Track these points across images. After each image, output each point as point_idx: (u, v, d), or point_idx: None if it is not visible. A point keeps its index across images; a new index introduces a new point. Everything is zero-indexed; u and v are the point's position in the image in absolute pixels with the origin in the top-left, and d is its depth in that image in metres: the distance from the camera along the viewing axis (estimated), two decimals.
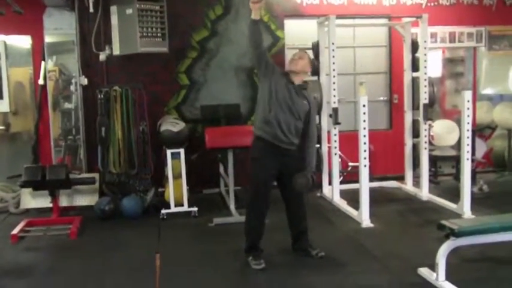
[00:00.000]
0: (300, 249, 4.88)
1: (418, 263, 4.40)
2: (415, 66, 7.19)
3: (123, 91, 6.58)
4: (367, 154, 5.79)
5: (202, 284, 4.33)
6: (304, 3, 7.75)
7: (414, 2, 7.98)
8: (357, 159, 5.96)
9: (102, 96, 6.57)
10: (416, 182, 7.30)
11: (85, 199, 6.71)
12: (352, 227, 5.78)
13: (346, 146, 7.17)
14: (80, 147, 7.14)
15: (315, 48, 7.16)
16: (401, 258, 4.74)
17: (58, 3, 6.91)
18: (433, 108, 7.63)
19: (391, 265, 4.58)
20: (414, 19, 7.13)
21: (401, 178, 7.62)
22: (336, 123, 6.80)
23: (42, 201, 6.46)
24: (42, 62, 7.06)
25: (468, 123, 5.85)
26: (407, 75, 7.32)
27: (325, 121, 7.09)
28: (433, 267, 4.13)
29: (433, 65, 7.86)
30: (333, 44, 6.73)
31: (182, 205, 6.35)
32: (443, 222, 4.14)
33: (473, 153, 6.74)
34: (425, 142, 6.99)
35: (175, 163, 6.33)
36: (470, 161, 5.97)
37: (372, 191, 6.10)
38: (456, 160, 7.28)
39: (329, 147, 7.11)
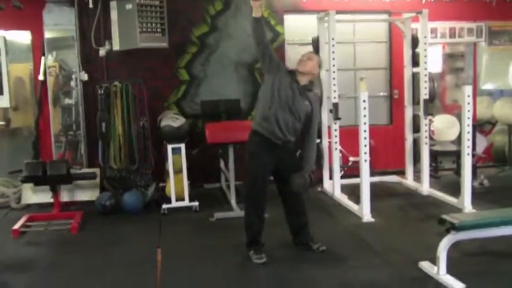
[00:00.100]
0: (301, 244, 4.89)
1: (419, 257, 4.41)
2: (415, 62, 7.18)
3: (123, 86, 6.57)
4: (367, 149, 5.79)
5: (204, 279, 4.33)
6: None
7: None
8: (357, 154, 5.97)
9: (102, 91, 6.56)
10: (417, 177, 7.31)
11: (86, 194, 6.71)
12: (353, 221, 5.79)
13: (347, 141, 7.19)
14: (81, 142, 7.14)
15: (315, 43, 7.15)
16: (402, 252, 4.74)
17: None
18: (434, 104, 7.62)
19: (392, 259, 4.59)
20: (414, 14, 7.11)
21: (401, 173, 7.63)
22: (337, 118, 6.80)
23: (43, 196, 6.47)
24: (42, 58, 7.06)
25: (468, 118, 5.85)
26: (408, 71, 7.31)
27: (325, 116, 7.09)
28: (434, 261, 4.14)
29: (433, 61, 7.84)
30: (333, 39, 6.73)
31: (183, 200, 6.36)
32: (444, 216, 4.15)
33: (473, 148, 6.74)
34: (426, 137, 7.00)
35: (176, 158, 6.33)
36: (470, 155, 5.97)
37: (373, 185, 6.10)
38: (457, 155, 7.29)
39: (329, 142, 7.12)
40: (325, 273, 4.34)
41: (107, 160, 6.59)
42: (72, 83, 7.20)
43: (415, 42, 7.17)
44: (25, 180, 6.22)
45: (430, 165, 7.35)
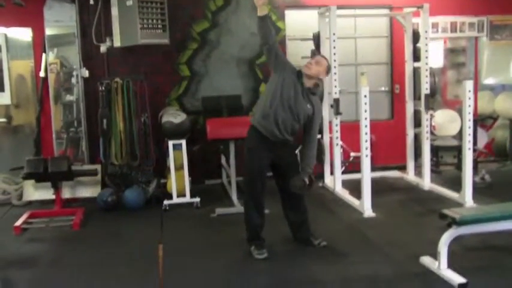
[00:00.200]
0: (301, 239, 4.89)
1: (420, 252, 4.41)
2: (416, 57, 7.17)
3: (124, 83, 6.57)
4: (368, 144, 5.79)
5: (205, 274, 4.34)
6: None
7: None
8: (358, 149, 5.96)
9: (103, 88, 6.56)
10: (418, 172, 7.31)
11: (87, 191, 6.72)
12: (354, 216, 5.80)
13: (348, 136, 7.19)
14: (82, 139, 7.14)
15: (316, 39, 7.14)
16: (403, 247, 4.75)
17: None
18: (435, 98, 7.62)
19: (393, 254, 4.59)
20: (415, 9, 7.09)
21: (403, 168, 7.63)
22: (338, 113, 6.80)
23: (45, 193, 6.48)
24: (43, 55, 7.05)
25: (469, 113, 5.84)
26: (409, 66, 7.30)
27: (326, 111, 7.09)
28: (435, 256, 4.14)
29: (434, 55, 7.84)
30: (333, 34, 6.72)
31: (184, 196, 6.38)
32: (445, 211, 4.15)
33: (474, 143, 6.76)
34: (427, 132, 6.99)
35: (177, 154, 6.34)
36: (471, 150, 5.97)
37: (374, 181, 6.10)
38: (458, 150, 7.28)
39: (331, 138, 7.11)
40: (327, 269, 4.34)
41: (108, 156, 6.60)
42: (73, 80, 7.19)
43: (416, 37, 7.15)
44: (26, 177, 6.24)
45: (431, 160, 7.35)
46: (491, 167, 7.88)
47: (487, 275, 4.11)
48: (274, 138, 4.54)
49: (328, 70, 4.71)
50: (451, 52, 8.77)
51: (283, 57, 4.60)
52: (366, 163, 5.79)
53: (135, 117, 6.62)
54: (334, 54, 6.72)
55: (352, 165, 7.43)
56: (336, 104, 6.74)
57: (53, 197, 6.27)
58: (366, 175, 5.81)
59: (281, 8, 7.68)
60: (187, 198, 6.37)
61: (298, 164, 4.70)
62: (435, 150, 7.78)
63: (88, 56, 7.19)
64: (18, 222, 5.68)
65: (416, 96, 7.21)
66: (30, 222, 5.86)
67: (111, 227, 5.77)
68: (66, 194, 6.61)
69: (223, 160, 7.30)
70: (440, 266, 4.07)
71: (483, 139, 8.33)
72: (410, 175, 7.46)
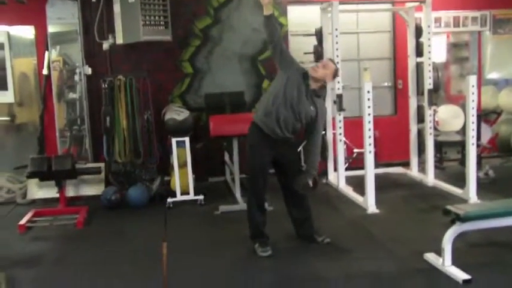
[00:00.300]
0: (304, 236, 4.90)
1: (424, 249, 4.41)
2: (419, 52, 7.15)
3: (127, 80, 6.57)
4: (372, 140, 5.78)
5: (209, 272, 4.35)
6: None
7: None
8: (362, 146, 5.96)
9: (106, 85, 6.57)
10: (422, 168, 7.29)
11: (91, 189, 6.74)
12: (358, 213, 5.79)
13: (351, 132, 7.17)
14: (85, 137, 7.15)
15: (319, 34, 7.14)
16: (407, 243, 4.75)
17: None
18: (438, 94, 7.60)
19: (397, 251, 4.59)
20: (418, 4, 7.06)
21: (406, 164, 7.61)
22: (341, 109, 6.79)
23: (49, 191, 6.51)
24: (46, 52, 7.05)
25: (473, 108, 5.83)
26: (412, 61, 7.29)
27: (329, 108, 7.07)
28: (439, 252, 4.14)
29: (437, 50, 7.80)
30: (336, 30, 6.71)
31: (188, 193, 6.38)
32: (449, 207, 4.14)
33: (478, 139, 6.74)
34: (430, 128, 6.97)
35: (181, 152, 6.34)
36: (475, 146, 5.96)
37: (378, 177, 6.09)
38: (461, 145, 7.27)
39: (334, 134, 7.10)
40: (330, 265, 4.35)
41: (112, 154, 6.61)
42: (76, 77, 7.19)
43: (418, 31, 7.13)
44: (30, 175, 6.25)
45: (435, 156, 7.34)
46: (495, 163, 7.86)
47: (491, 271, 4.10)
48: (275, 136, 4.53)
49: (335, 74, 4.67)
50: (454, 47, 8.73)
51: (289, 56, 4.59)
52: (370, 159, 5.78)
53: (138, 114, 6.62)
54: (337, 49, 6.70)
55: (355, 162, 7.41)
56: (339, 100, 6.73)
57: (57, 195, 6.29)
58: (370, 171, 5.80)
59: (283, 3, 7.66)
60: (191, 196, 6.37)
61: (300, 161, 4.69)
62: (439, 146, 7.76)
63: (91, 54, 7.18)
64: (23, 221, 5.70)
65: (420, 92, 7.20)
66: (34, 220, 5.88)
67: (115, 225, 5.78)
68: (70, 192, 6.64)
69: (226, 157, 7.31)
70: (445, 262, 4.07)
71: (487, 134, 8.29)
72: (413, 171, 7.44)
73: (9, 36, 7.03)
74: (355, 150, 7.50)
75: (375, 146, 5.97)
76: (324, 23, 7.11)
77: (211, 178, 7.58)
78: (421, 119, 7.20)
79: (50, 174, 6.16)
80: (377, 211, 5.76)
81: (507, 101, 8.31)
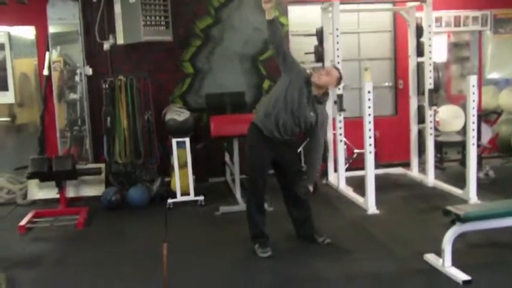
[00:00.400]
0: (304, 236, 4.90)
1: (424, 249, 4.41)
2: (420, 51, 7.15)
3: (127, 80, 6.57)
4: (372, 141, 5.78)
5: (210, 272, 4.36)
6: None
7: None
8: (362, 146, 5.95)
9: (106, 86, 6.57)
10: (422, 168, 7.29)
11: (92, 190, 6.74)
12: (358, 213, 5.79)
13: (352, 132, 7.17)
14: (86, 137, 7.14)
15: (319, 34, 7.14)
16: (407, 244, 4.75)
17: None
18: (439, 94, 7.59)
19: (397, 251, 4.59)
20: (418, 3, 7.06)
21: (407, 164, 7.61)
22: (341, 109, 6.79)
23: (49, 192, 6.50)
24: (47, 53, 7.05)
25: (473, 108, 5.83)
26: (412, 61, 7.29)
27: (330, 108, 7.06)
28: (439, 253, 4.14)
29: (438, 50, 7.80)
30: (337, 29, 6.71)
31: (188, 194, 6.38)
32: (449, 208, 4.14)
33: (479, 139, 6.73)
34: (431, 128, 6.96)
35: (181, 152, 6.34)
36: (475, 146, 5.95)
37: (378, 177, 6.10)
38: (462, 146, 7.26)
39: (334, 134, 7.10)
40: (331, 266, 4.35)
41: (112, 155, 6.61)
42: (77, 78, 7.18)
43: (419, 31, 7.13)
44: (31, 176, 6.25)
45: (435, 156, 7.33)
46: (495, 163, 7.85)
47: (491, 272, 4.10)
48: (274, 137, 4.54)
49: (338, 82, 4.63)
50: (455, 46, 8.72)
51: (292, 60, 4.55)
52: (370, 160, 5.78)
53: (139, 115, 6.62)
54: (338, 49, 6.70)
55: (355, 162, 7.40)
56: (339, 100, 6.73)
57: (58, 196, 6.29)
58: (370, 172, 5.80)
59: (284, 3, 7.65)
60: (191, 197, 6.37)
61: (300, 162, 4.70)
62: (439, 146, 7.75)
63: (91, 54, 7.18)
64: (23, 222, 5.70)
65: (420, 92, 7.19)
66: (34, 221, 5.88)
67: (115, 226, 5.78)
68: (71, 193, 6.64)
69: (227, 157, 7.30)
70: (445, 263, 4.07)
71: (487, 134, 8.27)
72: (414, 172, 7.44)
73: (9, 36, 7.04)
74: (356, 150, 7.49)
75: (375, 147, 5.97)
76: (325, 22, 7.10)
77: (212, 179, 7.58)
78: (421, 119, 7.20)
79: (50, 174, 6.16)
80: (377, 212, 5.76)
81: (508, 101, 8.30)
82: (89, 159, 7.09)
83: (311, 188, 4.55)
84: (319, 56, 7.15)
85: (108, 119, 6.54)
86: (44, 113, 7.16)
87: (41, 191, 6.67)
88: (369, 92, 5.71)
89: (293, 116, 4.44)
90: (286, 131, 4.51)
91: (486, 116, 8.36)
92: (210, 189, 6.96)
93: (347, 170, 7.07)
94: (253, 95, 7.63)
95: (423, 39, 7.06)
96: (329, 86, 4.54)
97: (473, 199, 5.92)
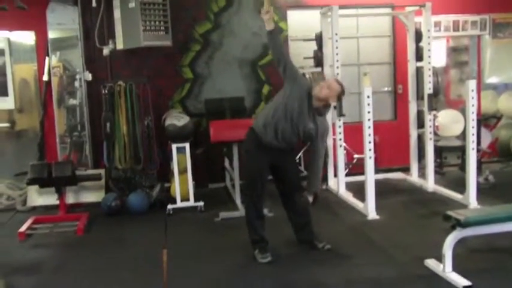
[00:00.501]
0: (304, 241, 4.90)
1: (425, 255, 4.41)
2: (419, 56, 7.15)
3: (127, 86, 6.57)
4: (372, 146, 5.78)
5: (209, 278, 4.35)
6: None
7: None
8: (362, 151, 5.95)
9: (106, 91, 6.57)
10: (422, 173, 7.28)
11: (91, 195, 6.73)
12: (358, 219, 5.79)
13: (351, 137, 7.17)
14: (86, 143, 7.14)
15: (318, 39, 7.14)
16: (408, 249, 4.74)
17: None
18: (438, 98, 7.58)
19: (398, 257, 4.59)
20: (417, 8, 7.07)
21: (406, 169, 7.60)
22: (341, 115, 6.79)
23: (49, 198, 6.49)
24: (46, 58, 7.05)
25: (473, 113, 5.84)
26: (412, 65, 7.29)
27: (329, 113, 7.05)
28: (439, 258, 4.14)
29: (437, 55, 7.81)
30: (336, 34, 6.71)
31: (188, 200, 6.37)
32: (449, 213, 4.13)
33: (478, 143, 6.73)
34: (430, 133, 6.96)
35: (181, 158, 6.34)
36: (475, 151, 5.96)
37: (378, 183, 6.09)
38: (461, 150, 7.26)
39: (334, 140, 7.09)
40: (331, 272, 4.34)
41: (112, 160, 6.60)
42: (76, 83, 7.19)
43: (418, 36, 7.12)
44: (31, 182, 6.24)
45: (435, 161, 7.33)
46: (494, 168, 7.86)
47: (492, 277, 4.10)
48: (271, 145, 4.54)
49: (339, 96, 4.56)
50: (454, 51, 8.73)
51: (293, 70, 4.51)
52: (370, 165, 5.78)
53: (139, 120, 6.62)
54: (337, 54, 6.70)
55: (355, 167, 7.40)
56: (339, 105, 6.72)
57: (57, 202, 6.28)
58: (370, 177, 5.79)
59: (283, 8, 7.67)
60: (191, 202, 6.36)
61: (298, 168, 4.69)
62: (439, 151, 7.76)
63: (91, 59, 7.19)
64: (23, 228, 5.69)
65: (420, 96, 7.19)
66: (34, 228, 5.87)
67: (115, 232, 5.77)
68: (70, 199, 6.63)
69: (226, 163, 7.30)
70: (445, 268, 4.06)
71: (487, 139, 8.28)
72: (413, 176, 7.43)
73: (9, 42, 7.04)
74: (355, 155, 7.49)
75: (375, 152, 5.97)
76: (324, 27, 7.11)
77: (212, 184, 7.57)
78: (421, 124, 7.19)
79: (50, 180, 6.15)
80: (377, 217, 5.76)
81: (507, 105, 8.31)
82: (89, 165, 7.09)
83: (310, 199, 4.56)
84: (319, 60, 7.15)
85: (108, 124, 6.53)
86: (43, 119, 7.16)
87: (40, 197, 6.66)
88: (368, 96, 5.72)
89: (292, 124, 4.43)
90: (285, 139, 4.51)
91: (485, 120, 8.37)
92: (209, 195, 6.95)
93: (347, 175, 7.07)
94: (252, 100, 7.64)
95: (422, 43, 7.06)
96: (329, 99, 4.48)
97: (473, 204, 5.92)
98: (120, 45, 6.95)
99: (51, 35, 7.05)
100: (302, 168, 7.32)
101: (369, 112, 5.74)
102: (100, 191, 6.75)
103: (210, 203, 6.46)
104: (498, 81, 8.59)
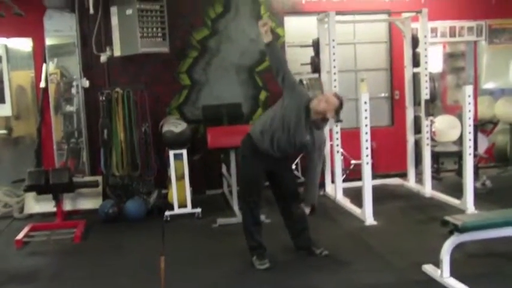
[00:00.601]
0: (302, 247, 4.89)
1: (422, 260, 4.41)
2: (415, 62, 7.16)
3: (124, 93, 6.57)
4: (369, 151, 5.78)
5: (207, 285, 4.34)
6: (304, 0, 7.74)
7: None
8: (359, 157, 5.96)
9: (103, 98, 6.57)
10: (419, 179, 7.28)
11: (89, 202, 6.71)
12: (356, 225, 5.79)
13: (348, 143, 7.18)
14: (83, 150, 7.13)
15: (315, 45, 7.15)
16: (405, 255, 4.74)
17: (58, 4, 6.91)
18: (435, 104, 7.60)
19: (395, 262, 4.58)
20: (414, 14, 7.09)
21: (403, 175, 7.61)
22: (338, 120, 6.79)
23: (46, 205, 6.47)
24: (44, 65, 7.05)
25: (470, 118, 5.84)
26: (408, 71, 7.30)
27: None
28: (437, 263, 4.14)
29: (433, 60, 7.83)
30: (333, 40, 6.73)
31: (186, 206, 6.37)
32: (447, 218, 4.14)
33: (475, 149, 6.74)
34: (427, 138, 6.97)
35: (178, 164, 6.34)
36: (472, 156, 5.97)
37: (375, 188, 6.08)
38: (458, 156, 7.27)
39: (331, 145, 7.09)
40: (328, 278, 4.34)
41: (109, 167, 6.59)
42: (74, 90, 7.19)
43: (415, 42, 7.14)
44: (28, 189, 6.22)
45: (432, 166, 7.32)
46: (491, 173, 7.88)
47: (490, 282, 4.10)
48: (267, 152, 4.55)
49: (337, 110, 4.49)
50: (450, 57, 8.77)
51: (292, 81, 4.50)
52: (367, 171, 5.78)
53: (136, 127, 6.61)
54: (334, 60, 6.72)
55: (352, 173, 7.41)
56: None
57: (55, 209, 6.25)
58: (367, 183, 5.80)
59: (280, 14, 7.69)
60: (188, 209, 6.35)
61: (294, 174, 4.70)
62: (436, 157, 7.77)
63: (88, 66, 7.18)
64: (20, 236, 5.67)
65: (416, 102, 7.20)
66: (31, 235, 5.84)
67: (113, 239, 5.75)
68: (68, 206, 6.60)
69: (224, 169, 7.29)
70: (443, 274, 4.07)
71: (484, 144, 8.31)
72: (411, 182, 7.43)
73: (6, 48, 7.05)
74: (353, 161, 7.50)
75: (372, 157, 5.97)
76: (321, 33, 7.12)
77: (209, 191, 7.57)
78: (418, 129, 7.20)
79: (47, 187, 6.13)
80: (375, 223, 5.76)
81: (503, 111, 8.33)
82: (86, 171, 7.07)
83: (307, 211, 4.58)
84: (316, 66, 7.16)
85: (105, 131, 6.53)
86: (40, 126, 7.15)
87: (37, 205, 6.63)
88: (365, 102, 5.72)
89: (289, 134, 4.43)
90: (280, 149, 4.51)
91: (482, 126, 8.39)
92: (207, 201, 6.95)
93: (344, 181, 7.09)
94: (250, 106, 7.64)
95: (419, 49, 7.07)
96: (327, 113, 4.40)
97: (470, 209, 5.93)
98: (117, 52, 6.96)
99: (49, 41, 7.05)
100: (299, 174, 7.33)
101: (366, 118, 5.74)
102: (97, 197, 6.73)
103: (207, 209, 6.46)
104: (494, 87, 8.63)
